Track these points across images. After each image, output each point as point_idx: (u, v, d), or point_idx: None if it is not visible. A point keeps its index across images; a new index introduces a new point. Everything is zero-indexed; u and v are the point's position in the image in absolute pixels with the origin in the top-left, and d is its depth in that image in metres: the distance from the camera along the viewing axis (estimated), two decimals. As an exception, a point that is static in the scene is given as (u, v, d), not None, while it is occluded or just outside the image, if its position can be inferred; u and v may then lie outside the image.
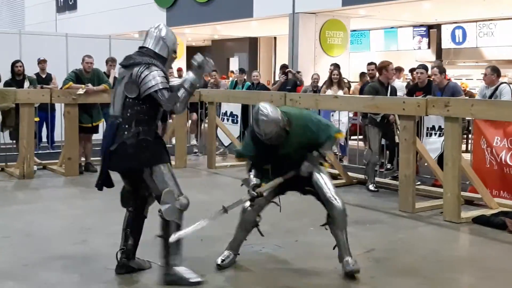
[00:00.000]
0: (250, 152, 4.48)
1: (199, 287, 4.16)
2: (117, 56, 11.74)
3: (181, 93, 4.07)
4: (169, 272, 4.17)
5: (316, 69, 13.25)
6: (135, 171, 4.18)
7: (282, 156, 4.34)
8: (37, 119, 9.21)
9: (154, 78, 4.03)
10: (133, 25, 15.81)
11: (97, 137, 9.41)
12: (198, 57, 4.16)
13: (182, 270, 4.19)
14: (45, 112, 9.97)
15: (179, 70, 12.69)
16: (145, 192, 4.33)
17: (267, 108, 4.17)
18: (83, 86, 8.43)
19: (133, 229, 4.37)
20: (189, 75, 4.16)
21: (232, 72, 17.74)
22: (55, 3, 18.11)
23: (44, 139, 10.90)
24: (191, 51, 19.31)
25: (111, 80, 9.38)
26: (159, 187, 4.12)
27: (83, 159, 8.85)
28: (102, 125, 9.45)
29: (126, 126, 4.09)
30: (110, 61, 10.01)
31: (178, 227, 4.15)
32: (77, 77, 8.60)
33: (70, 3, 17.29)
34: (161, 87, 4.02)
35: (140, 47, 4.25)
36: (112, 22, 15.80)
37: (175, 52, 4.35)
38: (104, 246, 5.09)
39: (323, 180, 4.40)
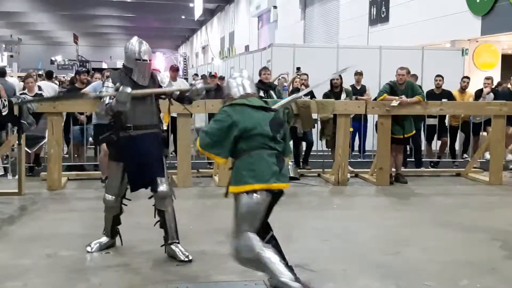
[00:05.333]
0: None
1: None
2: (430, 67, 11.64)
3: None
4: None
5: None
6: None
7: None
8: (351, 129, 9.61)
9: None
10: (445, 34, 15.43)
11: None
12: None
13: None
14: (358, 123, 10.37)
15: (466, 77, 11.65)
16: None
17: None
18: (397, 98, 8.55)
19: None
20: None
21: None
22: (367, 17, 18.71)
23: (355, 148, 11.34)
24: (508, 59, 18.09)
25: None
26: None
27: (393, 169, 8.95)
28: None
29: None
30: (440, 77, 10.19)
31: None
32: (391, 89, 8.75)
33: (383, 16, 17.69)
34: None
35: None
36: (424, 32, 15.66)
37: (138, 59, 4.87)
38: (419, 261, 5.05)
39: None
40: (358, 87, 10.80)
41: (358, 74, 10.80)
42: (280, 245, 4.21)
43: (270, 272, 3.88)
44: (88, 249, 5.10)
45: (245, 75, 4.37)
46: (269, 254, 3.88)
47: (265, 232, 4.20)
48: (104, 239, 5.17)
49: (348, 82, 10.46)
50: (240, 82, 4.29)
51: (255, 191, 3.97)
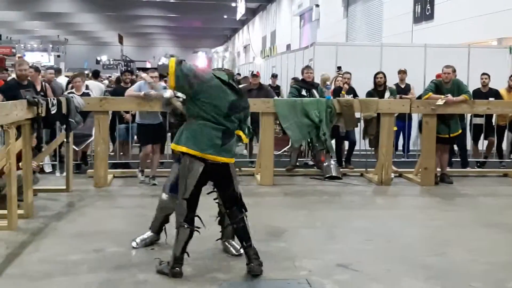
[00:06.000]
0: None
1: None
2: (476, 65, 11.40)
3: None
4: None
5: None
6: None
7: None
8: (394, 128, 9.50)
9: None
10: (492, 32, 15.10)
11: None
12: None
13: None
14: (402, 122, 10.25)
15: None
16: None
17: None
18: (442, 96, 8.41)
19: None
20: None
21: None
22: (412, 15, 18.45)
23: (399, 147, 11.20)
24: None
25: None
26: None
27: (438, 169, 8.82)
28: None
29: None
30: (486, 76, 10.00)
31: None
32: (437, 87, 8.62)
33: (427, 13, 17.41)
34: None
35: None
36: (470, 30, 15.36)
37: None
38: (464, 262, 4.98)
39: None
40: (402, 86, 10.67)
41: (402, 72, 10.67)
42: (248, 230, 4.51)
43: (174, 246, 4.48)
44: (134, 244, 5.20)
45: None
46: (186, 232, 4.43)
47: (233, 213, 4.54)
48: (149, 234, 5.26)
49: (392, 80, 10.34)
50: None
51: (189, 155, 4.39)
